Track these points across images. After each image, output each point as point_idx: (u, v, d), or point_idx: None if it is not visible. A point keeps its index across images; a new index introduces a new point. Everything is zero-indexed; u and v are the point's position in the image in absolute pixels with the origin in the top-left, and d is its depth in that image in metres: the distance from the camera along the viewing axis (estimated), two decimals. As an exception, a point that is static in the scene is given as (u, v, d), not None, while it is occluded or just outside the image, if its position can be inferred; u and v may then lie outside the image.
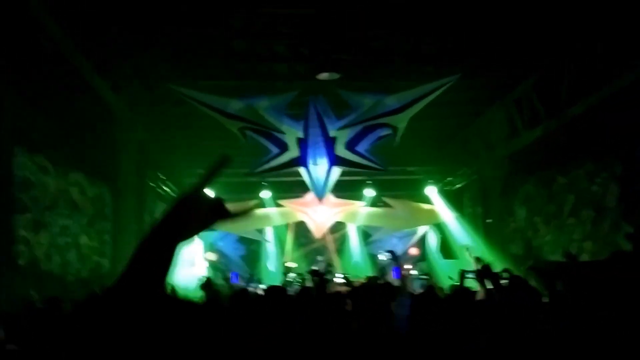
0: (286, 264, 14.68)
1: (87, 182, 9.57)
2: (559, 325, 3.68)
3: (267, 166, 9.98)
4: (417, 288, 12.46)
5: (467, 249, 9.07)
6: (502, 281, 6.16)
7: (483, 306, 4.47)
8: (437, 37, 7.94)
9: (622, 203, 8.26)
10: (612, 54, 7.09)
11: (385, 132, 9.60)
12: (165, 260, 1.03)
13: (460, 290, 4.48)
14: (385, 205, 15.03)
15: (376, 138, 9.78)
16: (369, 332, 4.26)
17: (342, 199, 14.43)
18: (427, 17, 7.28)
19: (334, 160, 9.79)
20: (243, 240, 16.60)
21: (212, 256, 15.15)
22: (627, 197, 8.14)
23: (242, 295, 4.70)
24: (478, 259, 7.24)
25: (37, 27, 6.05)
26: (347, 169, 10.16)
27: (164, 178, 12.76)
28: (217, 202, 1.13)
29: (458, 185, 14.54)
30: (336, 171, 10.08)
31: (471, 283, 6.05)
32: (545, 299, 4.45)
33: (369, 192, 14.33)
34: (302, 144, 9.54)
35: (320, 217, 14.74)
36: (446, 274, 12.46)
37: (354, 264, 16.48)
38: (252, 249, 16.93)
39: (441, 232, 15.16)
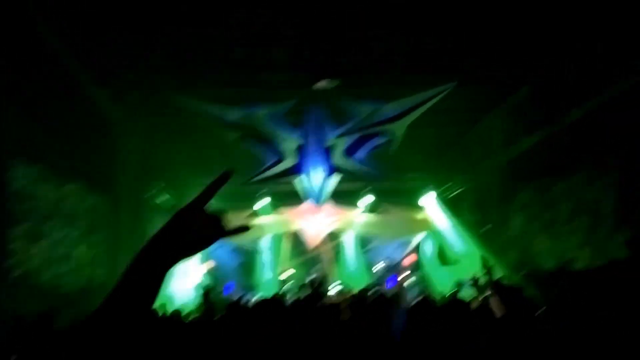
0: (282, 274, 14.66)
1: (84, 193, 9.53)
2: (555, 329, 3.68)
3: (264, 175, 9.98)
4: (412, 297, 12.47)
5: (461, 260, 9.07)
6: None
7: (479, 314, 4.46)
8: (436, 42, 7.96)
9: (619, 210, 8.26)
10: (609, 58, 7.12)
11: (382, 140, 9.62)
12: (155, 282, 0.99)
13: (455, 301, 4.47)
14: (382, 213, 15.02)
15: (374, 146, 9.80)
16: (364, 343, 4.24)
17: (339, 207, 14.41)
18: (426, 24, 7.32)
19: (332, 168, 9.80)
20: (239, 250, 16.56)
21: (208, 266, 15.11)
22: (623, 203, 8.14)
23: (237, 307, 4.68)
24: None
25: (35, 37, 6.06)
26: (344, 177, 10.17)
27: (162, 188, 12.73)
28: (217, 219, 1.08)
29: (455, 193, 14.54)
30: (334, 179, 10.08)
31: (467, 292, 6.06)
32: (542, 308, 4.44)
33: (366, 200, 14.31)
34: (300, 152, 9.55)
35: (317, 226, 14.72)
36: (442, 283, 12.48)
37: (350, 273, 16.45)
38: (248, 258, 16.89)
39: (438, 240, 15.14)
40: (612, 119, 7.61)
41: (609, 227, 8.50)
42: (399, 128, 9.29)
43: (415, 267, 16.33)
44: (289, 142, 9.56)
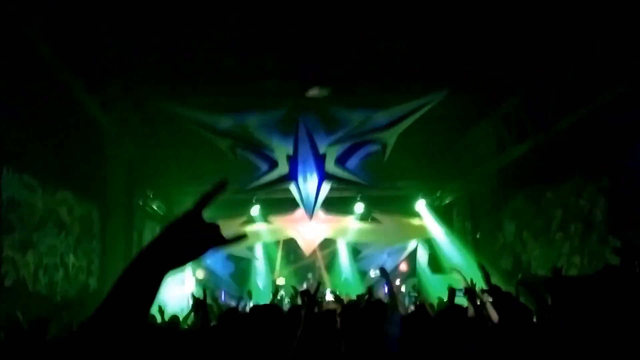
0: (276, 282, 14.62)
1: (75, 201, 9.48)
2: (551, 334, 3.70)
3: (257, 183, 9.98)
4: (407, 304, 12.47)
5: (458, 271, 9.08)
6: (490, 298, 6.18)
7: (475, 320, 4.47)
8: (427, 50, 7.99)
9: (610, 217, 8.32)
10: (606, 62, 7.18)
11: (374, 148, 9.65)
12: (149, 291, 0.98)
13: (450, 308, 4.47)
14: (375, 220, 15.04)
15: (365, 154, 9.83)
16: (359, 351, 4.24)
17: (331, 215, 14.42)
18: (422, 27, 7.34)
19: (324, 176, 9.81)
20: (232, 258, 16.50)
21: (201, 274, 15.05)
22: (614, 211, 8.20)
23: (232, 314, 4.66)
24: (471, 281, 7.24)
25: (25, 44, 6.04)
26: (336, 185, 10.19)
27: (153, 196, 12.69)
28: (212, 228, 1.07)
29: (447, 200, 14.59)
30: (326, 187, 10.10)
31: (461, 300, 6.06)
32: (535, 315, 4.46)
33: (359, 208, 14.34)
34: (292, 160, 9.56)
35: (310, 234, 14.72)
36: (436, 289, 12.49)
37: (343, 281, 16.45)
38: (241, 266, 16.83)
39: (431, 247, 15.18)
40: (603, 126, 7.68)
41: (600, 234, 8.56)
42: (391, 136, 9.34)
43: (409, 274, 16.35)
44: (281, 150, 9.58)
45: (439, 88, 8.55)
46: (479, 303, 5.01)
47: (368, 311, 5.15)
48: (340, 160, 9.76)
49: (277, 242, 16.47)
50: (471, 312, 4.88)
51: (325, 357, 4.08)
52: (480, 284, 6.47)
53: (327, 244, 16.40)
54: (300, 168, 9.70)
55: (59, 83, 6.92)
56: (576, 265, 9.18)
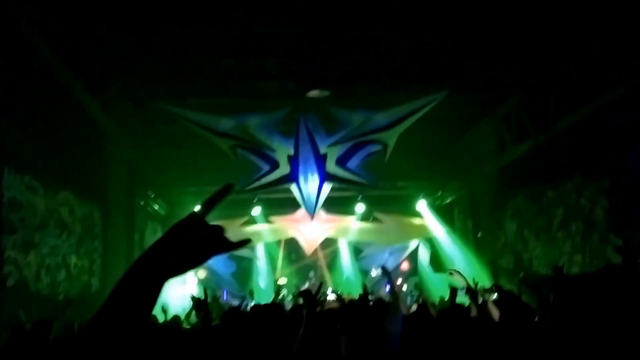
0: (277, 281, 14.63)
1: (77, 202, 9.50)
2: (553, 333, 3.70)
3: (258, 183, 9.98)
4: (409, 303, 12.47)
5: (452, 273, 9.08)
6: (493, 296, 6.19)
7: (477, 322, 4.47)
8: (427, 50, 8.00)
9: (611, 216, 8.32)
10: (606, 62, 7.18)
11: (375, 148, 9.65)
12: (149, 296, 0.95)
13: (453, 308, 4.48)
14: (376, 220, 15.05)
15: (366, 154, 9.83)
16: (361, 350, 4.25)
17: (333, 215, 14.43)
18: (418, 31, 7.35)
19: (325, 176, 9.81)
20: (233, 257, 16.52)
21: (203, 274, 15.07)
22: (615, 210, 8.21)
23: (234, 314, 4.67)
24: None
25: (26, 46, 6.06)
26: (337, 185, 10.19)
27: (154, 197, 12.71)
28: (216, 231, 1.02)
29: (448, 200, 14.60)
30: (327, 187, 10.10)
31: (462, 299, 6.07)
32: (537, 313, 4.46)
33: (360, 208, 14.35)
34: (293, 161, 9.56)
35: (311, 233, 14.73)
36: (437, 288, 12.50)
37: (345, 280, 16.46)
38: (242, 266, 16.85)
39: (432, 247, 15.19)
40: (603, 126, 7.68)
41: (601, 232, 8.57)
42: (391, 136, 9.34)
43: (411, 273, 16.36)
44: (282, 151, 9.58)
45: (439, 88, 8.55)
46: (480, 302, 5.01)
47: (370, 310, 5.16)
48: (341, 161, 9.76)
49: (279, 242, 16.48)
50: (473, 311, 4.88)
51: (327, 356, 4.09)
52: (482, 283, 6.48)
53: (329, 244, 16.41)
54: (301, 168, 9.71)
55: (60, 84, 6.94)
56: (578, 263, 9.19)
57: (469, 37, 7.55)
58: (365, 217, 14.93)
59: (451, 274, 8.95)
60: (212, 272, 15.83)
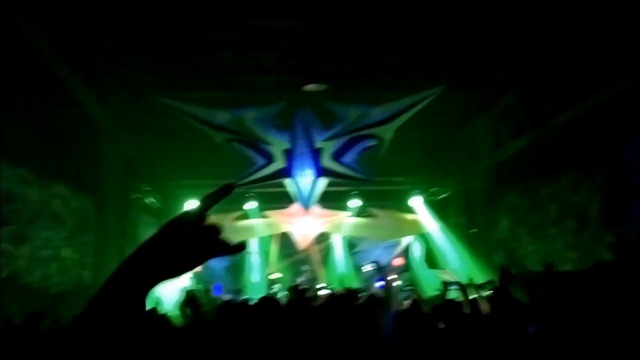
0: (271, 275, 14.63)
1: (70, 194, 9.47)
2: (544, 329, 3.72)
3: (253, 177, 9.95)
4: (401, 299, 12.50)
5: (446, 271, 9.13)
6: (486, 292, 6.20)
7: (469, 315, 4.48)
8: (424, 45, 7.98)
9: (604, 213, 8.36)
10: (602, 60, 7.19)
11: (371, 143, 9.64)
12: (136, 302, 0.89)
13: (446, 304, 4.49)
14: (371, 215, 15.05)
15: (362, 149, 9.81)
16: (354, 345, 4.25)
17: (327, 210, 14.42)
18: (415, 26, 7.34)
19: (320, 171, 9.79)
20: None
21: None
22: (609, 207, 8.24)
23: (227, 308, 4.66)
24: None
25: (21, 39, 6.01)
26: (333, 179, 10.18)
27: (149, 190, 12.67)
28: (213, 232, 0.96)
29: (443, 196, 14.62)
30: (322, 182, 10.08)
31: (453, 294, 6.09)
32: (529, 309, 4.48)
33: (355, 203, 14.34)
34: (289, 155, 9.54)
35: (305, 228, 14.72)
36: (430, 284, 12.52)
37: (338, 275, 16.46)
38: (236, 260, 16.81)
39: (426, 243, 15.21)
40: (598, 123, 7.71)
41: (594, 229, 8.61)
42: (387, 131, 9.32)
43: (404, 269, 16.37)
44: (278, 145, 9.55)
45: (437, 84, 8.55)
46: (471, 297, 5.03)
47: (362, 305, 5.16)
48: (337, 155, 9.74)
49: (273, 237, 16.47)
50: (465, 306, 4.89)
51: (320, 351, 4.09)
52: (476, 279, 6.51)
53: (323, 238, 16.41)
54: (296, 163, 9.68)
55: (55, 77, 6.89)
56: (570, 260, 9.23)
57: (468, 36, 7.56)
58: (359, 212, 14.93)
59: (443, 271, 9.03)
60: (205, 266, 15.79)
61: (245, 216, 14.54)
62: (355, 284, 13.50)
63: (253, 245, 16.37)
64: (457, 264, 12.80)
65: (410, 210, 14.72)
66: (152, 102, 8.71)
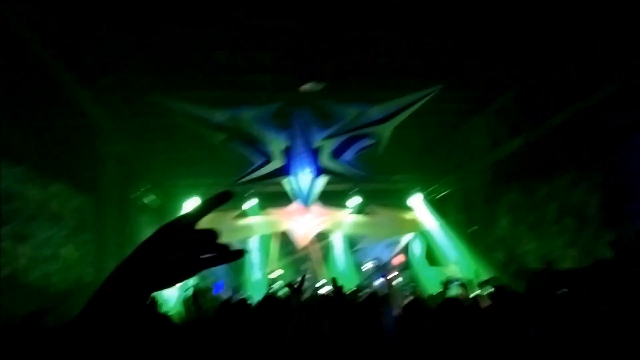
0: (271, 274, 14.63)
1: (69, 194, 9.47)
2: (546, 327, 3.72)
3: (251, 176, 9.95)
4: (402, 296, 12.51)
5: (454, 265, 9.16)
6: (488, 290, 6.22)
7: (470, 312, 4.49)
8: (422, 45, 7.99)
9: (604, 211, 8.38)
10: (600, 59, 7.20)
11: (369, 142, 9.64)
12: (131, 312, 0.86)
13: (447, 301, 4.49)
14: (370, 214, 15.06)
15: (360, 148, 9.81)
16: (355, 343, 4.25)
17: (326, 208, 14.43)
18: (412, 27, 7.34)
19: (319, 170, 9.80)
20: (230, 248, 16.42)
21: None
22: (608, 205, 8.26)
23: (228, 307, 4.66)
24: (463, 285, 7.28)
25: (17, 38, 6.00)
26: (331, 178, 10.18)
27: (147, 189, 12.67)
28: (209, 237, 0.92)
29: (442, 194, 14.63)
30: (321, 181, 10.09)
31: (453, 292, 6.12)
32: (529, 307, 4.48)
33: (354, 201, 14.34)
34: (287, 154, 9.54)
35: (305, 227, 14.73)
36: (431, 282, 12.54)
37: (339, 273, 16.47)
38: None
39: (426, 240, 15.23)
40: (597, 122, 7.71)
41: (594, 227, 8.62)
42: (386, 130, 9.32)
43: (404, 267, 16.38)
44: (276, 144, 9.54)
45: (435, 84, 8.56)
46: (472, 295, 5.04)
47: (364, 303, 5.16)
48: (335, 154, 9.74)
49: (273, 235, 16.47)
50: (466, 303, 4.90)
51: (322, 349, 4.10)
52: (477, 276, 6.54)
53: (322, 237, 16.42)
54: (295, 162, 9.68)
55: (52, 77, 6.89)
56: (570, 258, 9.24)
57: (467, 36, 7.56)
58: (359, 211, 14.93)
59: (451, 265, 9.06)
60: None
61: (245, 215, 14.55)
62: (354, 282, 13.51)
63: (253, 244, 16.39)
64: (457, 261, 12.82)
65: (409, 209, 14.73)
66: (149, 102, 8.70)
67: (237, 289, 12.40)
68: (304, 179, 9.82)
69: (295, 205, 12.46)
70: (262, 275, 15.70)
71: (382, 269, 7.01)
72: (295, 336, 3.62)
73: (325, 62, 8.09)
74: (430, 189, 14.65)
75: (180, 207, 12.61)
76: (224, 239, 0.91)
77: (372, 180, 10.92)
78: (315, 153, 9.62)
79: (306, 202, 10.20)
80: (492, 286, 6.21)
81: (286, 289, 10.04)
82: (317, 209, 13.60)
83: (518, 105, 9.39)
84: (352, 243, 16.85)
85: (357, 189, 13.91)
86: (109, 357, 0.84)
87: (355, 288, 10.37)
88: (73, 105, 7.80)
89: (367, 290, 8.68)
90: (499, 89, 9.58)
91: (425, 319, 4.16)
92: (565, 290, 4.79)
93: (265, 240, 16.47)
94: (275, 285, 12.12)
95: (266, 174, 9.93)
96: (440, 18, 7.09)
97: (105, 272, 0.92)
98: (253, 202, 14.26)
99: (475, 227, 12.82)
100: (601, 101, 7.29)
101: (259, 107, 9.03)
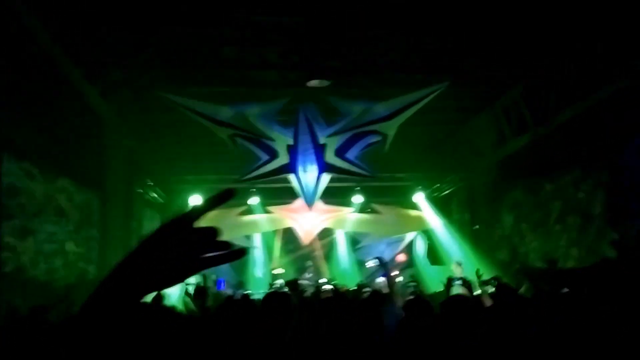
0: (274, 271, 14.66)
1: (75, 189, 9.50)
2: (549, 325, 3.72)
3: (256, 173, 9.97)
4: (405, 294, 12.52)
5: (460, 264, 9.15)
6: (490, 289, 6.22)
7: (473, 311, 4.48)
8: (428, 43, 7.99)
9: (608, 210, 8.35)
10: (605, 58, 7.18)
11: (374, 139, 9.64)
12: (128, 312, 0.86)
13: (452, 300, 4.48)
14: (374, 211, 15.05)
15: (365, 145, 9.82)
16: (357, 341, 4.26)
17: (330, 205, 14.43)
18: (418, 23, 7.33)
19: (324, 167, 9.81)
20: (231, 246, 16.44)
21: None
22: (612, 204, 8.23)
23: (230, 304, 4.69)
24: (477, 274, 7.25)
25: (25, 33, 6.02)
26: (336, 175, 10.19)
27: (152, 185, 12.70)
28: (210, 234, 0.89)
29: (446, 192, 14.61)
30: (325, 178, 10.10)
31: (456, 290, 6.12)
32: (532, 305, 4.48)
33: (358, 199, 14.34)
34: (292, 150, 9.55)
35: (309, 224, 14.73)
36: (434, 280, 12.54)
37: (342, 271, 16.48)
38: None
39: (429, 239, 15.21)
40: (602, 120, 7.69)
41: (598, 226, 8.60)
42: (391, 127, 9.32)
43: (407, 264, 16.38)
44: (281, 141, 9.56)
45: (439, 81, 8.56)
46: (475, 293, 5.04)
47: (367, 301, 5.18)
48: (340, 151, 9.75)
49: (276, 232, 16.49)
50: (470, 301, 4.89)
51: (325, 346, 4.11)
52: (486, 275, 6.54)
53: (326, 234, 16.42)
54: (300, 158, 9.69)
55: (59, 71, 6.90)
56: (574, 257, 9.22)
57: (469, 36, 7.55)
58: (363, 208, 14.92)
59: (456, 264, 9.07)
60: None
61: (249, 211, 14.56)
62: (357, 279, 13.52)
63: (256, 241, 16.41)
64: (460, 260, 12.80)
65: (413, 206, 14.72)
66: (155, 98, 8.72)
67: (239, 285, 12.43)
68: (308, 176, 9.83)
69: (299, 202, 12.47)
70: (264, 272, 15.73)
71: (384, 267, 7.02)
72: (296, 335, 3.63)
73: (331, 58, 8.10)
74: (435, 186, 14.63)
75: (185, 203, 12.63)
76: (228, 235, 0.90)
77: (376, 178, 10.91)
78: (320, 150, 9.63)
79: (311, 199, 10.21)
80: (495, 285, 6.21)
81: (286, 288, 10.08)
82: (321, 206, 13.60)
83: (524, 103, 9.37)
84: (355, 241, 16.85)
85: (361, 186, 13.89)
86: (107, 354, 0.84)
87: (357, 286, 10.38)
88: (80, 100, 7.82)
89: (369, 289, 8.67)
90: (501, 88, 9.57)
91: (427, 317, 4.17)
92: (567, 290, 4.80)
93: (268, 237, 16.50)
94: (276, 283, 12.14)
95: (271, 171, 9.95)
96: (444, 18, 7.09)
97: (108, 268, 0.91)
98: (257, 199, 14.27)
99: (477, 226, 12.81)
100: (605, 100, 7.27)
101: (264, 104, 9.05)
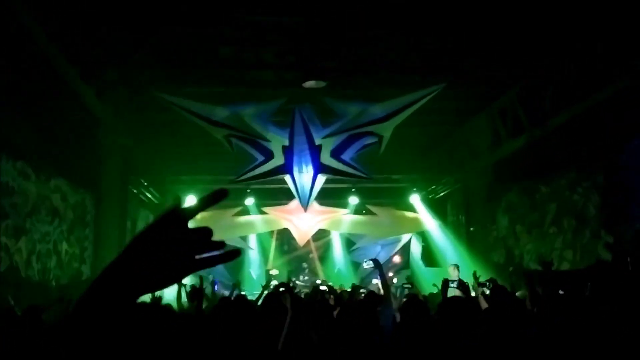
0: (269, 272, 14.63)
1: (69, 189, 9.47)
2: (546, 326, 3.72)
3: (252, 174, 9.95)
4: (399, 296, 12.51)
5: (456, 267, 9.17)
6: (486, 291, 6.21)
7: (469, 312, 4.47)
8: (425, 43, 7.98)
9: (603, 213, 8.37)
10: (605, 58, 7.19)
11: (370, 140, 9.64)
12: (119, 314, 0.84)
13: (449, 301, 4.47)
14: (369, 213, 15.05)
15: (361, 146, 9.81)
16: (352, 342, 4.25)
17: (326, 207, 14.41)
18: (415, 23, 7.33)
19: (319, 168, 9.79)
20: (225, 247, 16.42)
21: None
22: (607, 206, 8.25)
23: (226, 305, 4.66)
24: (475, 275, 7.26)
25: (21, 32, 5.99)
26: (332, 176, 10.18)
27: (147, 185, 12.66)
28: (203, 235, 0.88)
29: (442, 194, 14.62)
30: (321, 179, 10.08)
31: (452, 292, 6.09)
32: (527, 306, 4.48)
33: (353, 200, 14.34)
34: (288, 151, 9.53)
35: (304, 225, 14.71)
36: (429, 282, 12.55)
37: (337, 272, 16.49)
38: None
39: (424, 240, 15.21)
40: (598, 123, 7.70)
41: (593, 229, 8.62)
42: (387, 129, 9.32)
43: (403, 266, 16.39)
44: (277, 142, 9.54)
45: (436, 82, 8.56)
46: (471, 295, 5.03)
47: (362, 302, 5.16)
48: (336, 152, 9.74)
49: (271, 233, 16.47)
50: (466, 303, 4.89)
51: (321, 347, 4.10)
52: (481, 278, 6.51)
53: (321, 235, 16.41)
54: (295, 159, 9.68)
55: (54, 71, 6.87)
56: (568, 259, 9.24)
57: (468, 36, 7.55)
58: (358, 210, 14.92)
59: (453, 266, 9.08)
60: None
61: (245, 212, 14.53)
62: (352, 280, 13.50)
63: (252, 242, 16.39)
64: (456, 261, 12.81)
65: (409, 208, 14.72)
66: (151, 98, 8.70)
67: (233, 285, 12.38)
68: (304, 177, 9.82)
69: (295, 203, 12.45)
70: (260, 273, 15.70)
71: (379, 268, 7.00)
72: (292, 335, 3.62)
73: (327, 59, 8.09)
74: (430, 188, 14.64)
75: (180, 204, 12.56)
76: (223, 235, 0.88)
77: (372, 179, 10.91)
78: (316, 151, 9.61)
79: (306, 200, 10.19)
80: (490, 287, 6.21)
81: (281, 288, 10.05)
82: (316, 207, 13.58)
83: (520, 105, 9.38)
84: (350, 242, 16.85)
85: (356, 187, 13.89)
86: (103, 354, 0.83)
87: (352, 287, 10.37)
88: (75, 100, 7.78)
89: (365, 290, 8.66)
90: (500, 88, 9.57)
91: (423, 318, 4.15)
92: (563, 291, 4.80)
93: (264, 237, 16.48)
94: (270, 284, 12.11)
95: (266, 172, 9.93)
96: (442, 18, 7.09)
97: (102, 269, 0.90)
98: (253, 199, 14.25)
99: (472, 227, 12.82)
100: (602, 102, 7.28)
101: (260, 105, 9.03)
